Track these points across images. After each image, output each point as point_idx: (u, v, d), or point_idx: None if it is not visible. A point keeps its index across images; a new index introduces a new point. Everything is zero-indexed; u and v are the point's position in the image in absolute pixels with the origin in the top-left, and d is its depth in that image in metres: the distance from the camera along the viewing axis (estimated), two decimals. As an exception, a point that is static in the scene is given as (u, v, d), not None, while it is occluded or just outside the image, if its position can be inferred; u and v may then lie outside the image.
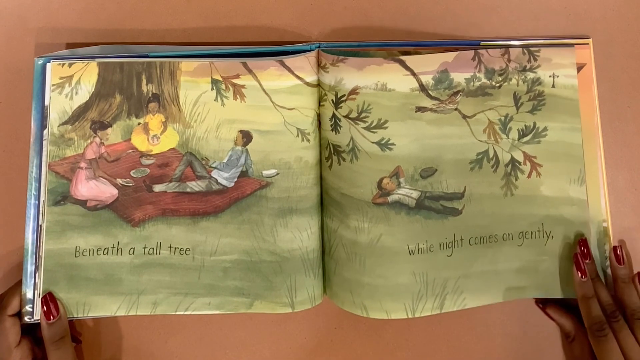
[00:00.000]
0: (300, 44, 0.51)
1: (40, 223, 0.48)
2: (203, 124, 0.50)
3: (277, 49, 0.51)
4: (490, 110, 0.50)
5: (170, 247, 0.49)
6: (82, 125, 0.49)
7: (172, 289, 0.48)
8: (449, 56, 0.50)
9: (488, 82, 0.50)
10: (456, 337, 0.53)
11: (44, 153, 0.49)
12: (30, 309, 0.47)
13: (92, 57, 0.50)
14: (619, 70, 0.54)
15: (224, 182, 0.50)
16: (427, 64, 0.49)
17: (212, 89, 0.50)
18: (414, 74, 0.49)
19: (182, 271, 0.49)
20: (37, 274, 0.48)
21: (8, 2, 0.53)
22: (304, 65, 0.49)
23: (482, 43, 0.51)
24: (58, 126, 0.49)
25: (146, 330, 0.52)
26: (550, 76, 0.50)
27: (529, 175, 0.50)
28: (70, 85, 0.49)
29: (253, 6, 0.54)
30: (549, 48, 0.50)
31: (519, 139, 0.50)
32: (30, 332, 0.48)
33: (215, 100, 0.50)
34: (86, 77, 0.50)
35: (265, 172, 0.50)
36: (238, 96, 0.50)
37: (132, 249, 0.49)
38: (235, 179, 0.50)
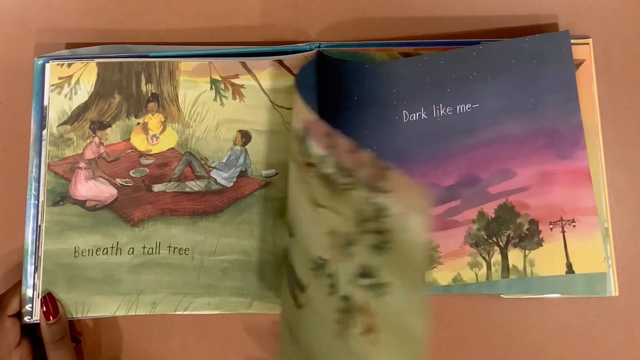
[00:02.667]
0: (300, 44, 0.51)
1: (39, 223, 0.48)
2: (202, 124, 0.50)
3: (276, 48, 0.51)
4: (336, 215, 0.38)
5: (169, 247, 0.49)
6: (81, 125, 0.49)
7: (171, 289, 0.48)
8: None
9: (338, 176, 0.38)
10: (456, 337, 0.53)
11: (44, 153, 0.49)
12: (30, 309, 0.47)
13: (92, 57, 0.50)
14: (619, 70, 0.53)
15: (223, 182, 0.50)
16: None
17: (211, 88, 0.50)
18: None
19: (181, 271, 0.49)
20: (36, 274, 0.48)
21: (8, 2, 0.53)
22: (302, 64, 0.49)
23: (482, 43, 0.51)
24: (57, 126, 0.49)
25: (146, 330, 0.52)
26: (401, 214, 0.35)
27: (365, 333, 0.37)
28: (70, 86, 0.49)
29: (253, 6, 0.54)
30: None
31: (358, 276, 0.37)
32: (30, 332, 0.48)
33: (215, 100, 0.50)
34: (85, 77, 0.50)
35: (264, 172, 0.50)
36: (237, 96, 0.50)
37: (132, 249, 0.49)
38: (235, 179, 0.50)
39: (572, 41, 0.51)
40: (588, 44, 0.51)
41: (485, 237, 0.50)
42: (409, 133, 0.49)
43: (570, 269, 0.50)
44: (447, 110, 0.49)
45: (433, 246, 0.50)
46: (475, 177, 0.50)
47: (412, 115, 0.49)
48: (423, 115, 0.49)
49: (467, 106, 0.49)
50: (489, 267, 0.50)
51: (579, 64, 0.51)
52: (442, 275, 0.50)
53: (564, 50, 0.50)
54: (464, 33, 0.54)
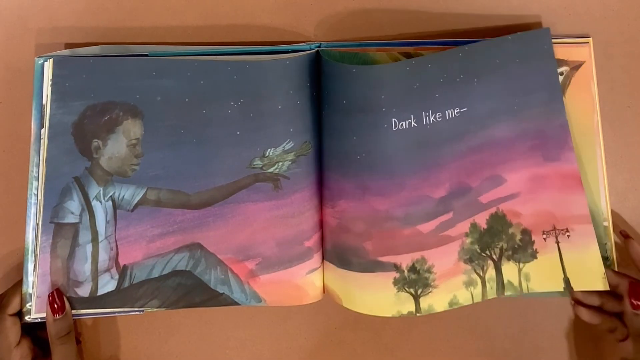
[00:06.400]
0: (300, 44, 0.51)
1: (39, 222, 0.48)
2: None
3: (276, 48, 0.51)
4: None
5: None
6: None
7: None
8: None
9: None
10: (456, 337, 0.53)
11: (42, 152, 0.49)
12: (31, 308, 0.48)
13: (92, 57, 0.50)
14: (619, 70, 0.53)
15: None
16: None
17: None
18: None
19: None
20: (37, 273, 0.48)
21: (8, 2, 0.53)
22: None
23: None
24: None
25: (146, 330, 0.52)
26: None
27: None
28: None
29: (253, 6, 0.54)
30: None
31: None
32: (30, 331, 0.48)
33: None
34: None
35: None
36: None
37: None
38: None
39: (572, 41, 0.51)
40: (588, 43, 0.52)
41: (479, 250, 0.49)
42: (398, 142, 0.47)
43: (568, 285, 0.49)
44: (437, 116, 0.48)
45: (427, 267, 0.48)
46: (466, 187, 0.49)
47: (402, 123, 0.47)
48: (413, 122, 0.47)
49: (455, 111, 0.48)
50: (483, 285, 0.49)
51: (578, 65, 0.51)
52: (438, 300, 0.49)
53: (545, 49, 0.50)
54: (464, 33, 0.54)
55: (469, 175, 0.49)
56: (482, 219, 0.50)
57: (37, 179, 0.48)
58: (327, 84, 0.48)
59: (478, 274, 0.49)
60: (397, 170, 0.48)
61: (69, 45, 0.53)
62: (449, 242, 0.49)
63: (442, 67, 0.48)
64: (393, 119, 0.47)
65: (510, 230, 0.50)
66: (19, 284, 0.48)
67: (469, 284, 0.49)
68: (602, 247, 0.50)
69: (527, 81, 0.50)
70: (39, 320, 0.47)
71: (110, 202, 0.49)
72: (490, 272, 0.49)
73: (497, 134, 0.49)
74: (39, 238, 0.48)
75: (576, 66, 0.51)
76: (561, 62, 0.51)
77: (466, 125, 0.49)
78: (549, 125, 0.50)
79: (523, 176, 0.50)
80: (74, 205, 0.49)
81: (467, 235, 0.49)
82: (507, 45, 0.50)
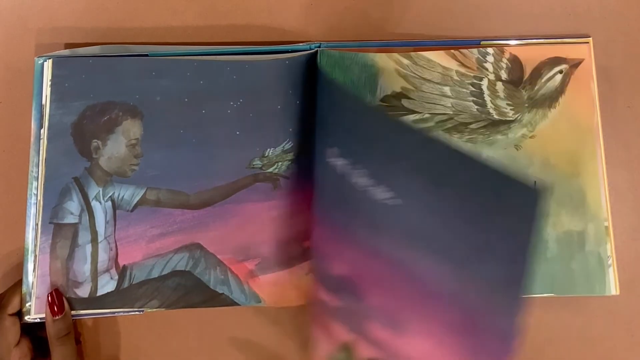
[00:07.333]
0: (300, 44, 0.51)
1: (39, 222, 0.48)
2: None
3: (276, 48, 0.51)
4: None
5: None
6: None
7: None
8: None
9: None
10: (456, 337, 0.53)
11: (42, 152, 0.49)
12: (30, 308, 0.48)
13: (92, 57, 0.50)
14: (619, 70, 0.53)
15: None
16: None
17: None
18: None
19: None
20: (36, 273, 0.48)
21: (8, 2, 0.53)
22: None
23: (482, 42, 0.51)
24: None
25: (146, 330, 0.52)
26: None
27: None
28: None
29: (253, 6, 0.54)
30: None
31: None
32: (30, 331, 0.48)
33: None
34: None
35: None
36: None
37: None
38: None
39: (572, 41, 0.52)
40: (588, 43, 0.52)
41: None
42: (327, 174, 0.44)
43: None
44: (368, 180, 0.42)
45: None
46: (361, 294, 0.43)
47: (333, 160, 0.43)
48: (346, 163, 0.43)
49: (388, 193, 0.41)
50: None
51: (577, 63, 0.51)
52: None
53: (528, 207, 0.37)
54: (465, 36, 0.54)
55: (374, 283, 0.42)
56: (363, 348, 0.43)
57: (37, 179, 0.49)
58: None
59: None
60: (319, 200, 0.45)
61: (69, 45, 0.53)
62: (330, 334, 0.44)
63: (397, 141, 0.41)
64: (327, 148, 0.44)
65: None
66: (18, 283, 0.48)
67: None
68: (603, 247, 0.50)
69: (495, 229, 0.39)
70: (39, 320, 0.47)
71: (109, 203, 0.49)
72: None
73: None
74: (39, 238, 0.48)
75: (575, 64, 0.51)
76: (560, 60, 0.51)
77: (399, 219, 0.40)
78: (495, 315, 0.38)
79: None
80: (73, 205, 0.49)
81: (339, 350, 0.44)
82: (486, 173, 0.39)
